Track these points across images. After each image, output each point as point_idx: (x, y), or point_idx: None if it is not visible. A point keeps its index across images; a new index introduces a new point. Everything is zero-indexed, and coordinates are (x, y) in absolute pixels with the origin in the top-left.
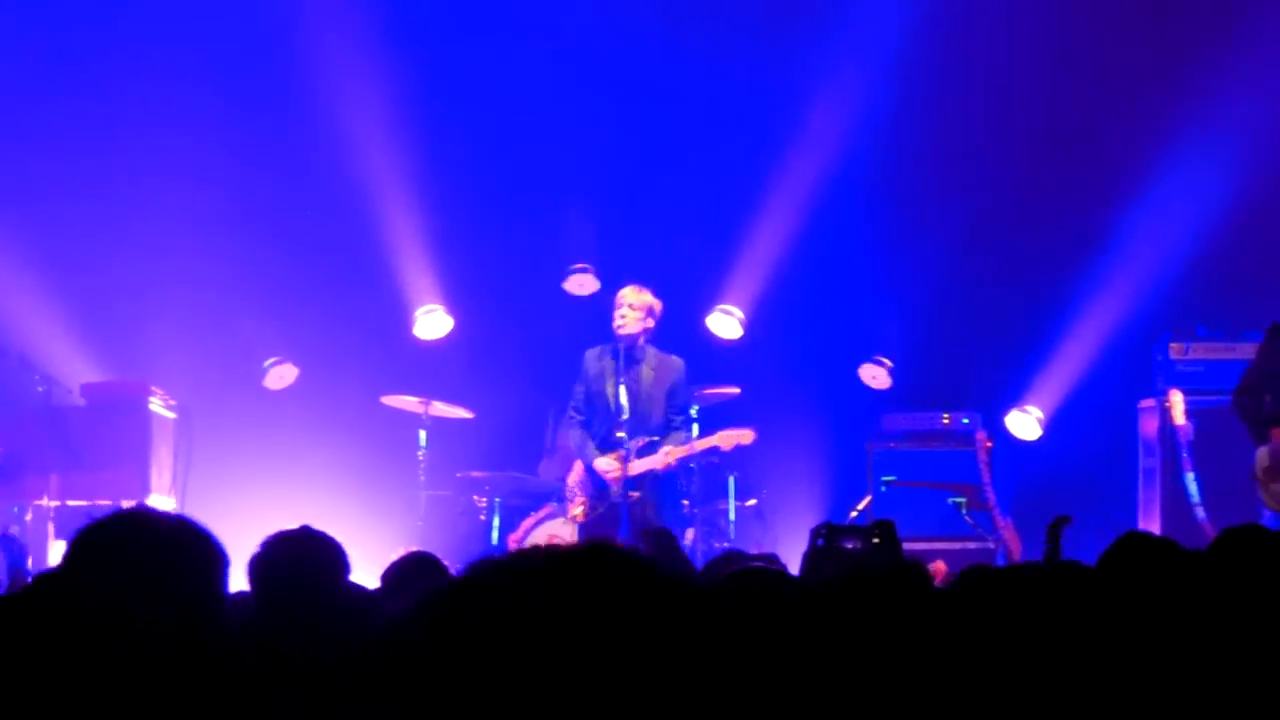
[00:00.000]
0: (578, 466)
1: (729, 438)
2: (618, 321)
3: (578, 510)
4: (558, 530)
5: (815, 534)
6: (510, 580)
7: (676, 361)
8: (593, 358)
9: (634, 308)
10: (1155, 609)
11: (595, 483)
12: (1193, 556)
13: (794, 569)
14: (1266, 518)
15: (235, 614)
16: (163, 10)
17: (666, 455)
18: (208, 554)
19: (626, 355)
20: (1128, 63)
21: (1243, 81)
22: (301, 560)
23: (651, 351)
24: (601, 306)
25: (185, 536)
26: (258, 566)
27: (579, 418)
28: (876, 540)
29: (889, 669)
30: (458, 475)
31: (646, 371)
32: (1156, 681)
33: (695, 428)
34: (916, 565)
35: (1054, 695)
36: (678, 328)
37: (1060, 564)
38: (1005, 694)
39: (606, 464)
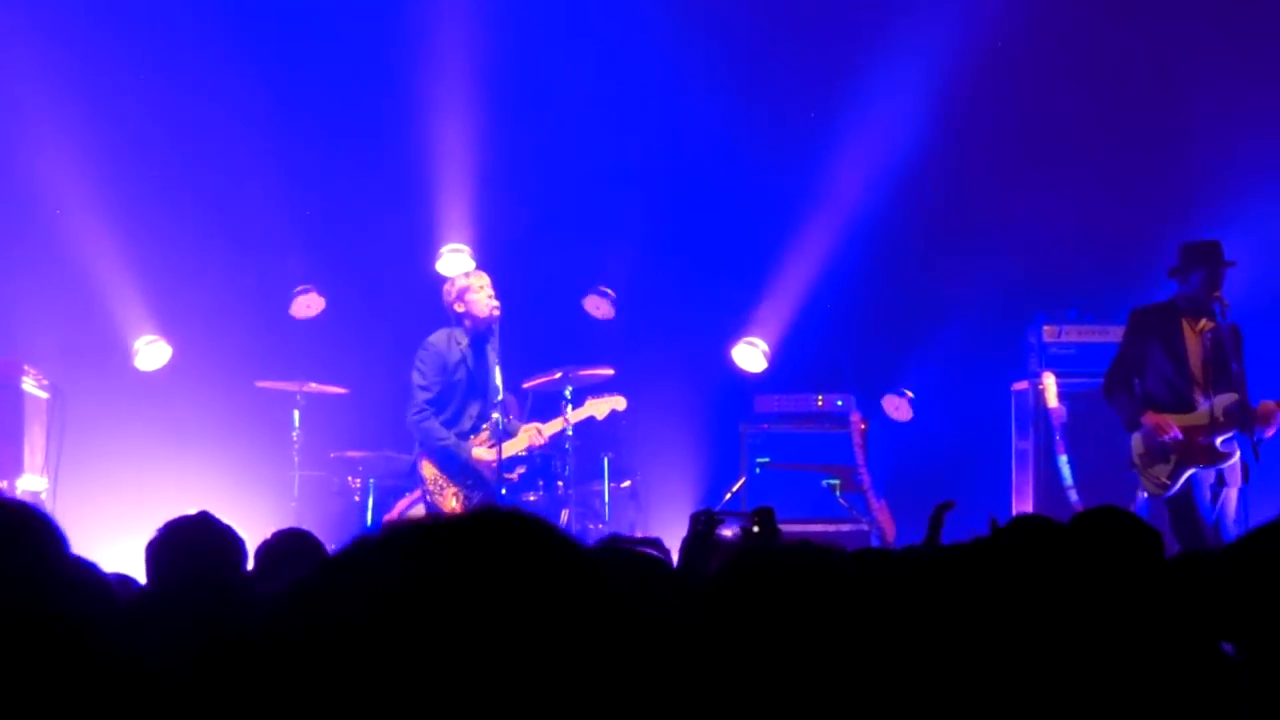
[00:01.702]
0: (430, 462)
1: (602, 405)
2: (491, 303)
3: (453, 503)
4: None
5: (695, 520)
6: (388, 556)
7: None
8: (446, 343)
9: (491, 291)
10: (1047, 590)
11: (466, 471)
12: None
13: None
14: (1140, 502)
15: (123, 597)
16: None
17: (539, 432)
18: (41, 532)
19: (489, 336)
20: (1008, 47)
21: (1113, 66)
22: (200, 545)
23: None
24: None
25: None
26: (157, 551)
27: (431, 409)
28: (756, 528)
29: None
30: (332, 455)
31: (493, 352)
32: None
33: (569, 408)
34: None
35: (948, 680)
36: (552, 308)
37: (951, 547)
38: (899, 676)
39: (484, 454)
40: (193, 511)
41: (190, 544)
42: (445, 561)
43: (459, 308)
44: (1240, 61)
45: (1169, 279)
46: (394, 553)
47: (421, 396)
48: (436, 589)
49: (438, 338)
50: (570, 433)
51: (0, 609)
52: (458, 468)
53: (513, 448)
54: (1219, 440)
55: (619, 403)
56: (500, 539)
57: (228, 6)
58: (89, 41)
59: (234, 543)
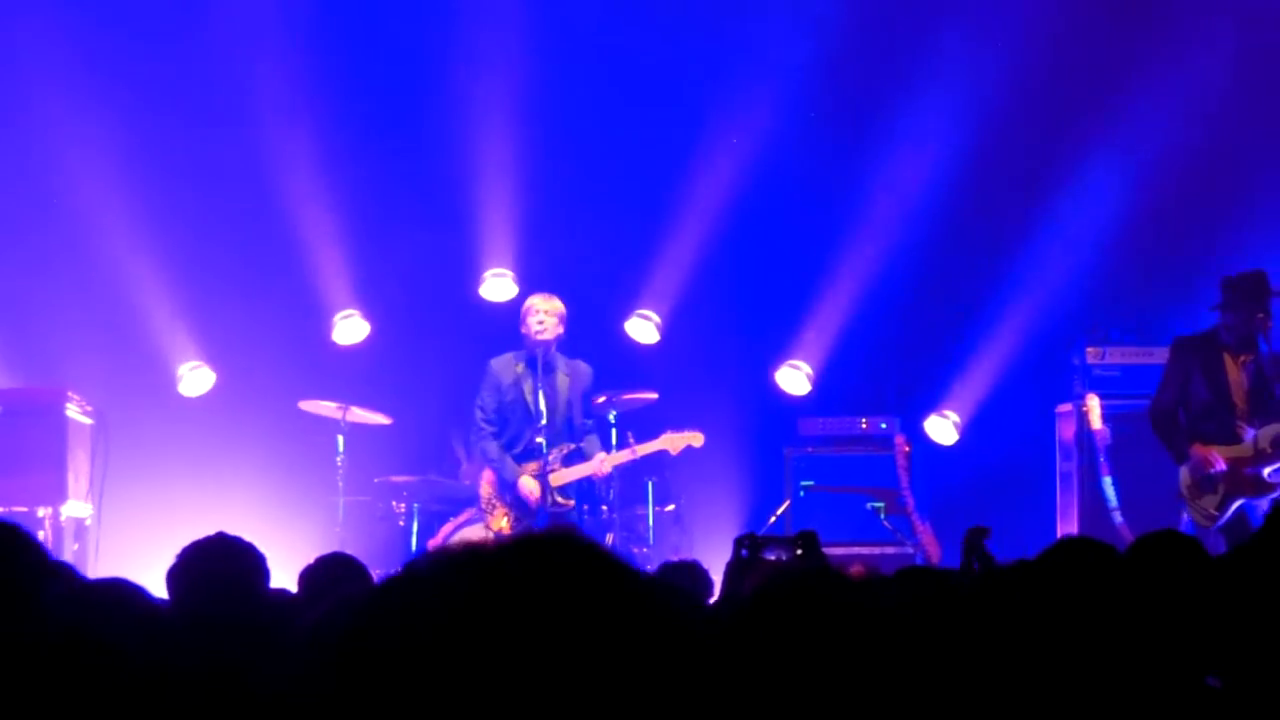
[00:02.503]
0: (489, 476)
1: (677, 440)
2: (536, 329)
3: (502, 522)
4: (477, 536)
5: (738, 545)
6: (439, 578)
7: (585, 367)
8: (502, 366)
9: (549, 314)
10: (1092, 613)
11: (516, 494)
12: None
13: (716, 575)
14: (1185, 523)
15: (152, 623)
16: (80, 9)
17: (602, 462)
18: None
19: (543, 362)
20: (1044, 72)
21: (1154, 89)
22: (219, 568)
23: (562, 358)
24: (518, 312)
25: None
26: (176, 577)
27: (490, 429)
28: (800, 551)
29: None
30: (376, 481)
31: (561, 378)
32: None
33: (614, 434)
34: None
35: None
36: (595, 332)
37: (995, 569)
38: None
39: (529, 486)
40: (212, 533)
41: (208, 567)
42: (495, 583)
43: (523, 329)
44: None
45: (1211, 310)
46: (442, 576)
47: (479, 417)
48: (483, 612)
49: (498, 360)
50: (626, 462)
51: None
52: (507, 487)
53: (572, 475)
54: (1266, 471)
55: (696, 439)
56: (551, 561)
57: (272, 35)
58: (132, 69)
59: (253, 561)
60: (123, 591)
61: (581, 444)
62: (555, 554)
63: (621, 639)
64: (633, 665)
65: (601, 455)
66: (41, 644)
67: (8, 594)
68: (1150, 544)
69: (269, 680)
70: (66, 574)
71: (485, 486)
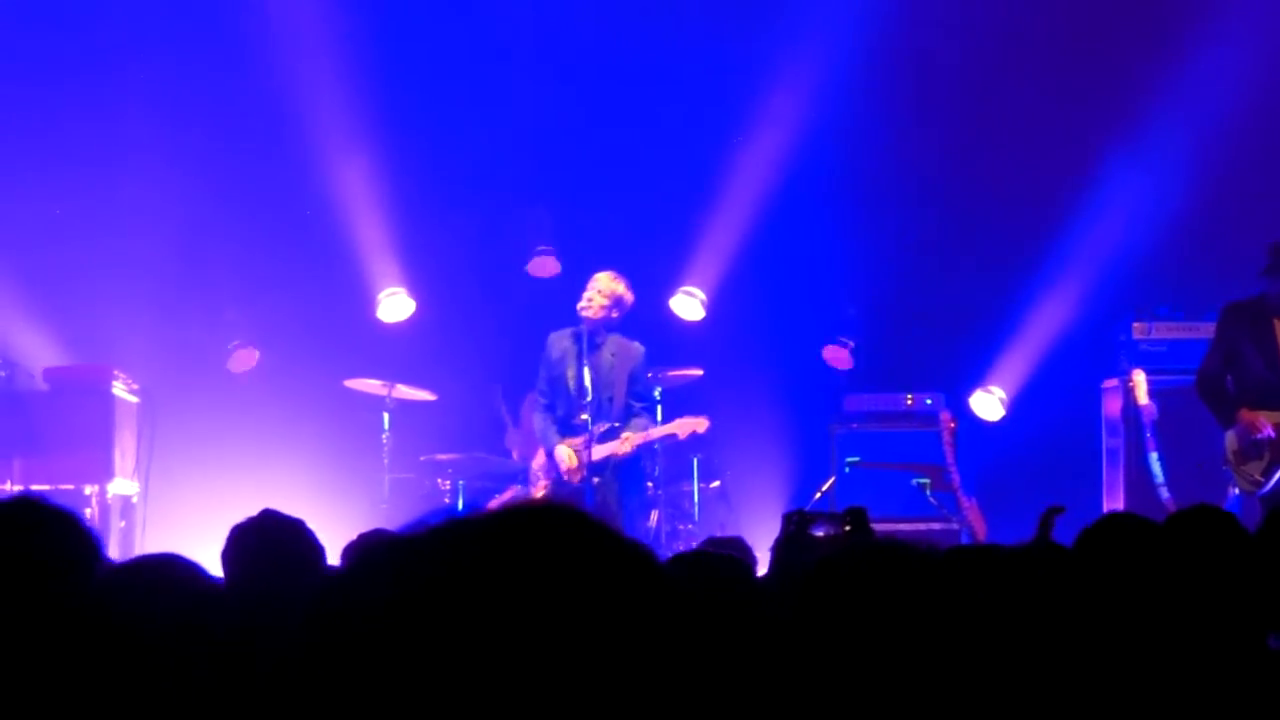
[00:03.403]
0: (541, 451)
1: (685, 425)
2: (582, 303)
3: (540, 494)
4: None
5: (787, 521)
6: (448, 542)
7: (637, 347)
8: (555, 340)
9: (601, 293)
10: (1136, 589)
11: (558, 467)
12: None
13: (760, 552)
14: (1231, 499)
15: (206, 600)
16: None
17: (624, 441)
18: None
19: (589, 339)
20: (1089, 45)
21: (1209, 61)
22: (275, 546)
23: (613, 337)
24: (563, 289)
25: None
26: (230, 554)
27: (543, 400)
28: (848, 527)
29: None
30: (421, 459)
31: (607, 356)
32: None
33: (659, 410)
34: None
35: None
36: (640, 309)
37: (1040, 545)
38: (994, 671)
39: (564, 455)
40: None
41: (258, 542)
42: (472, 552)
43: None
44: None
45: (1259, 278)
46: (423, 546)
47: (537, 386)
48: (454, 578)
49: (555, 333)
50: (657, 447)
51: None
52: (551, 460)
53: (601, 453)
54: None
55: (700, 425)
56: (527, 530)
57: (318, 17)
58: (178, 50)
59: (303, 536)
60: (176, 568)
61: (623, 424)
62: (533, 524)
63: (603, 608)
64: (615, 638)
65: (627, 435)
66: (96, 621)
67: (61, 574)
68: (1184, 522)
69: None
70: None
71: (536, 459)
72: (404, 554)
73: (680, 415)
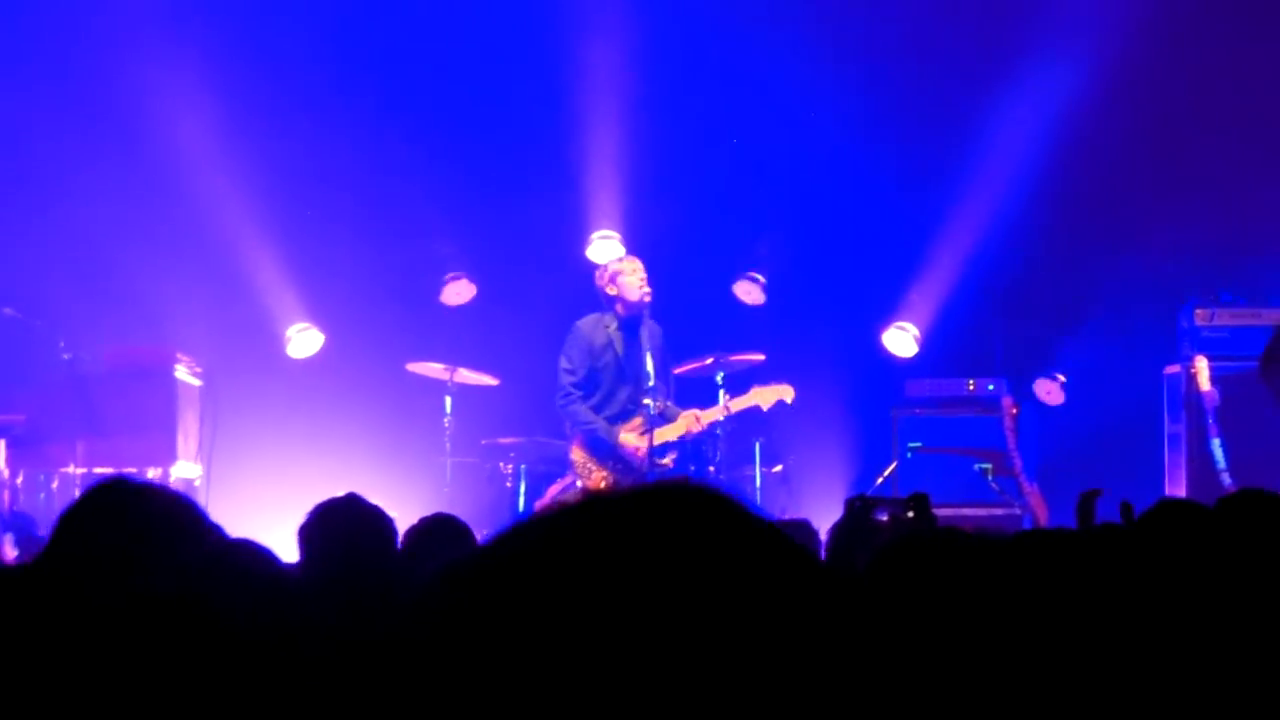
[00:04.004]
0: (579, 440)
1: (768, 395)
2: (643, 290)
3: (601, 481)
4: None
5: (849, 506)
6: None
7: (658, 327)
8: (592, 329)
9: (645, 276)
10: (1193, 572)
11: (613, 455)
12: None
13: (823, 536)
14: None
15: (281, 581)
16: None
17: (697, 419)
18: (185, 516)
19: (640, 321)
20: (1166, 37)
21: (1267, 52)
22: (352, 528)
23: (647, 319)
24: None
25: (163, 501)
26: (308, 533)
27: (577, 392)
28: (911, 513)
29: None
30: (483, 442)
31: (648, 338)
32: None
33: (722, 395)
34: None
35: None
36: (703, 294)
37: (1106, 527)
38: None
39: (633, 440)
40: (342, 494)
41: (340, 525)
42: (622, 531)
43: (611, 291)
44: None
45: None
46: (570, 523)
47: (566, 380)
48: (615, 560)
49: (585, 322)
50: (721, 419)
51: (160, 591)
52: (606, 451)
53: (668, 434)
54: None
55: (787, 393)
56: (679, 508)
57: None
58: (239, 36)
59: (384, 523)
60: (251, 553)
61: (669, 404)
62: (689, 500)
63: (756, 584)
64: (769, 610)
65: (695, 412)
66: (177, 603)
67: (147, 553)
68: (1239, 504)
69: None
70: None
71: (576, 452)
72: (553, 531)
73: (744, 413)
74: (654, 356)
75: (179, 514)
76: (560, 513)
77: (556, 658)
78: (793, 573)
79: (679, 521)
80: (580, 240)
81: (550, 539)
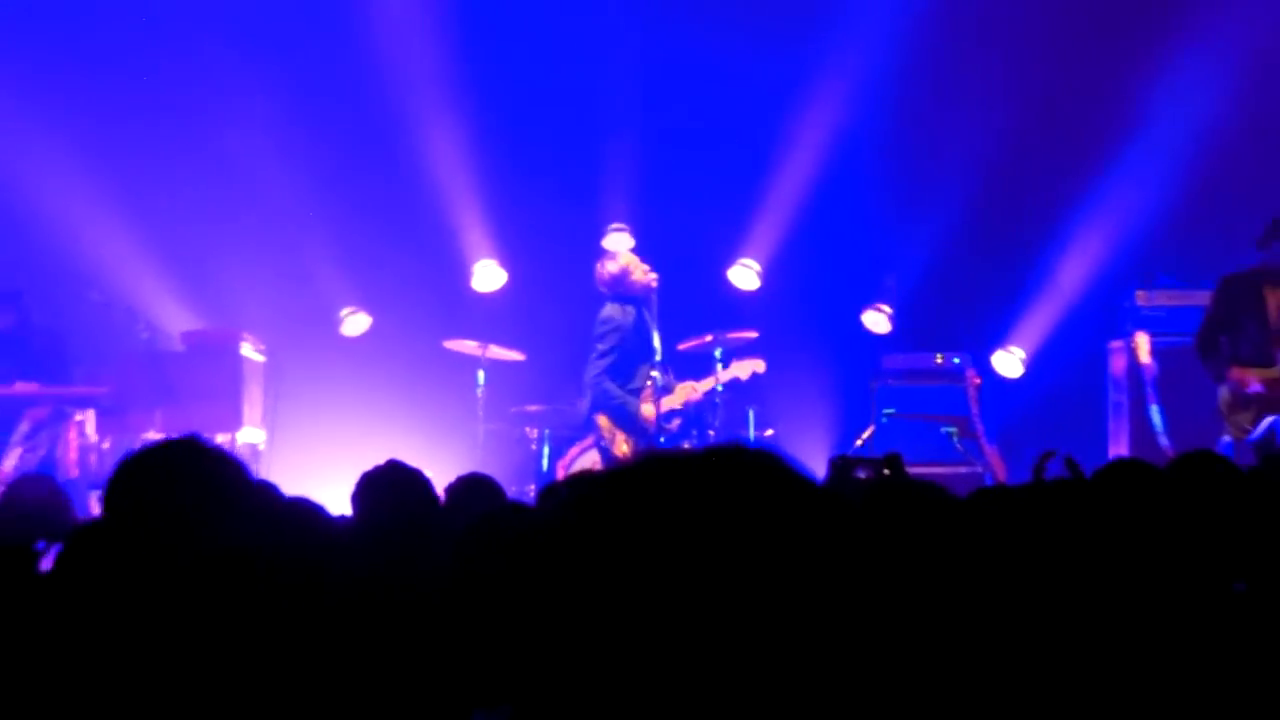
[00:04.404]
0: (606, 416)
1: (745, 367)
2: (648, 279)
3: (624, 448)
4: (590, 463)
5: (832, 465)
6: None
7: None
8: (620, 314)
9: (645, 265)
10: (1139, 522)
11: (634, 423)
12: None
13: None
14: (1223, 445)
15: (338, 537)
16: None
17: (694, 389)
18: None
19: (647, 304)
20: (1103, 31)
21: (1207, 48)
22: (398, 489)
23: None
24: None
25: (209, 460)
26: (361, 495)
27: (606, 375)
28: (886, 471)
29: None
30: (511, 410)
31: (650, 318)
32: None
33: (719, 368)
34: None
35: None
36: (704, 278)
37: (1058, 482)
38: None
39: (648, 409)
40: (383, 461)
41: (384, 487)
42: (705, 488)
43: (623, 288)
44: None
45: (1254, 249)
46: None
47: (601, 364)
48: (700, 514)
49: (612, 311)
50: (720, 389)
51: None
52: (628, 420)
53: (672, 402)
54: None
55: (759, 365)
56: (759, 469)
57: (419, 15)
58: (298, 44)
59: (423, 482)
60: (307, 509)
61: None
62: (753, 461)
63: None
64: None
65: (691, 383)
66: (241, 554)
67: (210, 508)
68: (1187, 463)
69: (428, 580)
70: (267, 492)
71: (603, 419)
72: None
73: (739, 383)
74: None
75: (224, 470)
76: (643, 471)
77: (655, 583)
78: (828, 512)
79: (743, 473)
80: (596, 232)
81: (648, 492)
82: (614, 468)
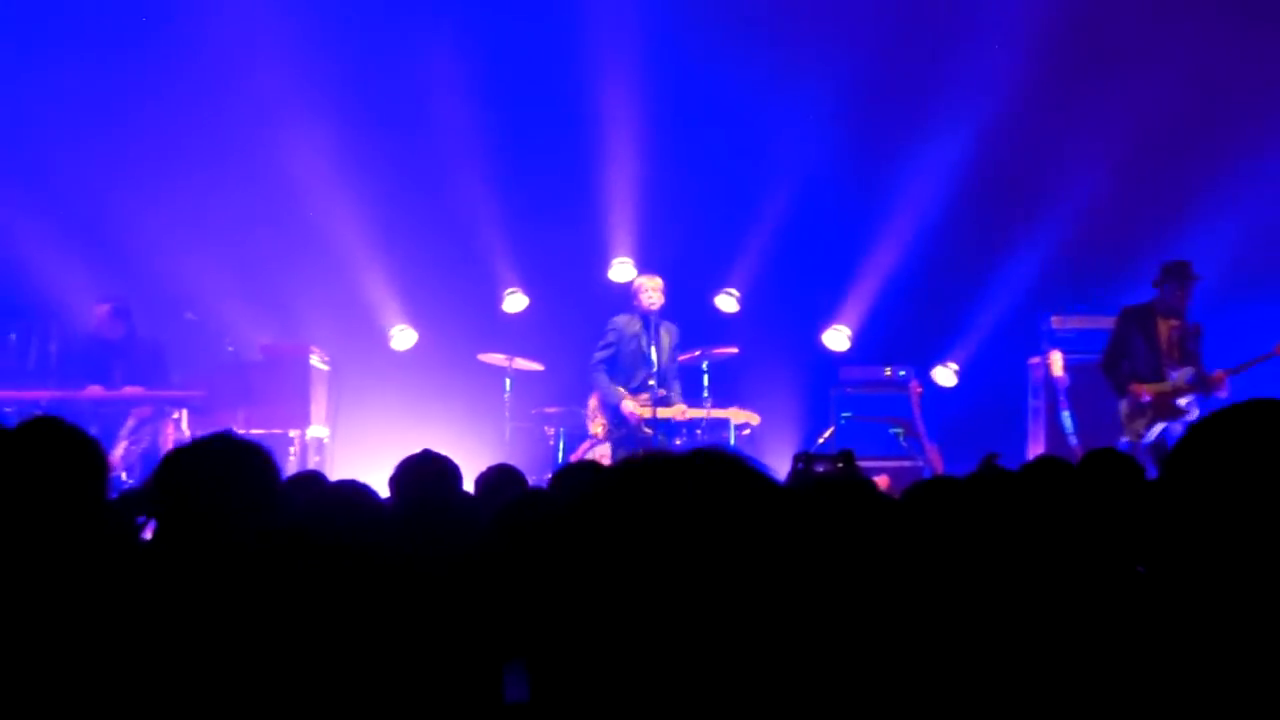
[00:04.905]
0: (595, 398)
1: (739, 415)
2: (648, 301)
3: (597, 429)
4: (604, 452)
5: (796, 460)
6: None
7: (676, 328)
8: (626, 322)
9: (656, 291)
10: (1056, 511)
11: (616, 413)
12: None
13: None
14: (1121, 445)
15: (381, 516)
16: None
17: (683, 412)
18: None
19: (656, 323)
20: (1023, 95)
21: (1112, 107)
22: (428, 474)
23: (664, 321)
24: (632, 289)
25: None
26: (397, 480)
27: (603, 366)
28: (840, 465)
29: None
30: (533, 411)
31: (664, 335)
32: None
33: (705, 378)
34: (868, 481)
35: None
36: (692, 303)
37: (985, 475)
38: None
39: (633, 407)
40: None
41: (416, 471)
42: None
43: (636, 299)
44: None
45: (1151, 286)
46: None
47: (598, 355)
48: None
49: (619, 318)
50: (704, 422)
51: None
52: (611, 408)
53: (665, 414)
54: (1181, 401)
55: (753, 419)
56: (715, 468)
57: (442, 53)
58: (341, 63)
59: (451, 469)
60: (357, 490)
61: (670, 391)
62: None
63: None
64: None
65: (683, 406)
66: (298, 531)
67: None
68: (1096, 459)
69: (457, 551)
70: (313, 480)
71: (592, 401)
72: (619, 482)
73: (723, 390)
74: (664, 352)
75: (253, 459)
76: (623, 470)
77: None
78: (778, 502)
79: (710, 471)
80: (604, 263)
81: (621, 488)
82: (610, 466)
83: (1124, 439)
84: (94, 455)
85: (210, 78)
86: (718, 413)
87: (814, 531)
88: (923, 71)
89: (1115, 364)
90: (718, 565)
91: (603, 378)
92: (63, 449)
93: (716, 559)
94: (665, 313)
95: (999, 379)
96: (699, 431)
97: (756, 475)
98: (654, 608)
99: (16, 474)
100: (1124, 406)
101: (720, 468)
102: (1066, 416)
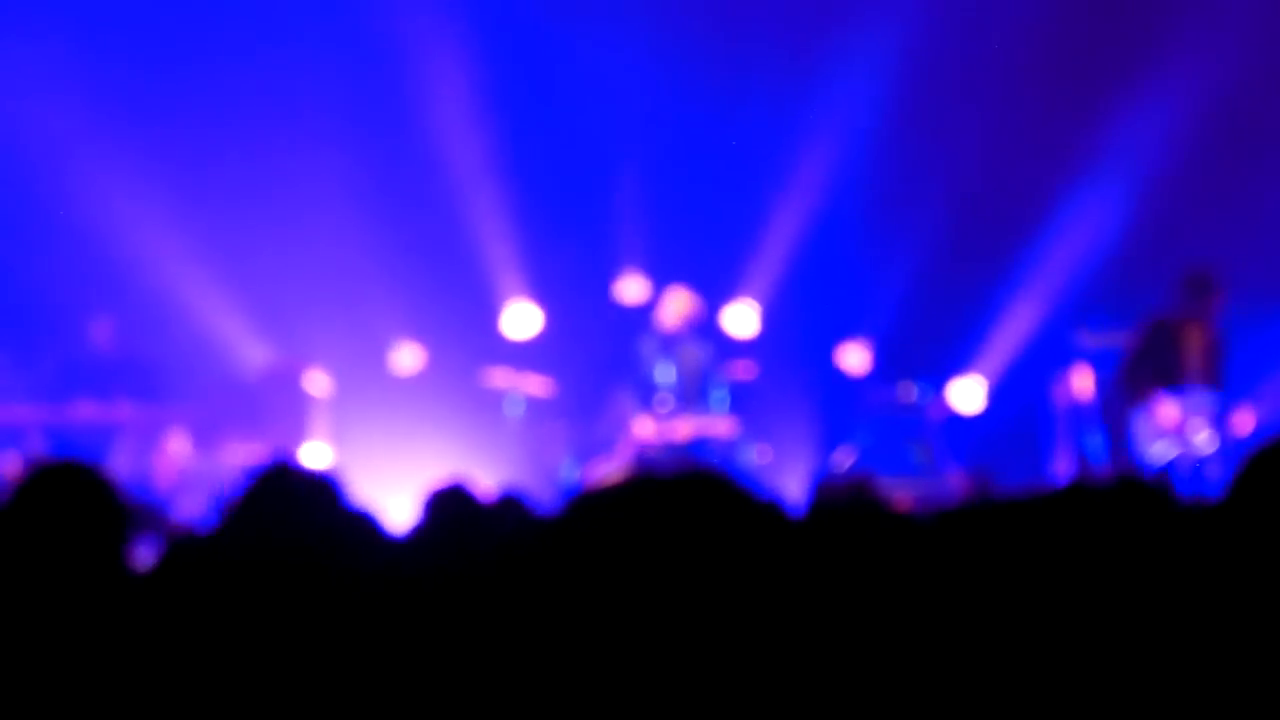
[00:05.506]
0: (613, 417)
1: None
2: (675, 321)
3: (616, 450)
4: (616, 472)
5: (816, 487)
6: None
7: (706, 348)
8: (645, 342)
9: (676, 308)
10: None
11: (627, 432)
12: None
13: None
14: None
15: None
16: (275, 22)
17: (688, 432)
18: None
19: (670, 342)
20: (1062, 98)
21: (1148, 115)
22: (456, 508)
23: (693, 338)
24: (646, 307)
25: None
26: (428, 507)
27: (627, 386)
28: (861, 488)
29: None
30: (541, 428)
31: (689, 354)
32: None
33: (728, 397)
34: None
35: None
36: (707, 321)
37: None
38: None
39: (645, 428)
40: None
41: (444, 506)
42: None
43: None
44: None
45: (1174, 297)
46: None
47: (633, 373)
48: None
49: (642, 337)
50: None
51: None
52: (623, 430)
53: (674, 432)
54: (1205, 420)
55: (767, 455)
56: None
57: (448, 62)
58: (362, 85)
59: (479, 504)
60: (366, 522)
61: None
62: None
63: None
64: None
65: (690, 425)
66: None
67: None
68: (1126, 482)
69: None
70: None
71: (609, 419)
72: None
73: (743, 408)
74: (685, 372)
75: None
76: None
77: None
78: (772, 530)
79: (704, 496)
80: (612, 279)
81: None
82: (607, 488)
83: (1150, 458)
84: (116, 511)
85: (210, 87)
86: (730, 439)
87: (813, 565)
88: (948, 80)
89: (1136, 380)
90: (695, 597)
91: (623, 396)
92: (82, 509)
93: (693, 591)
94: (700, 330)
95: (1026, 397)
96: (713, 451)
97: (750, 501)
98: (629, 642)
99: (29, 541)
100: (1140, 425)
101: (711, 493)
102: (1093, 436)
